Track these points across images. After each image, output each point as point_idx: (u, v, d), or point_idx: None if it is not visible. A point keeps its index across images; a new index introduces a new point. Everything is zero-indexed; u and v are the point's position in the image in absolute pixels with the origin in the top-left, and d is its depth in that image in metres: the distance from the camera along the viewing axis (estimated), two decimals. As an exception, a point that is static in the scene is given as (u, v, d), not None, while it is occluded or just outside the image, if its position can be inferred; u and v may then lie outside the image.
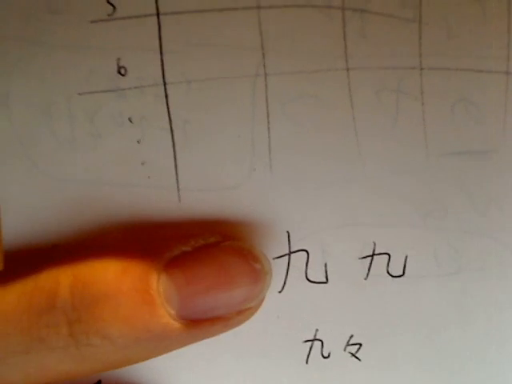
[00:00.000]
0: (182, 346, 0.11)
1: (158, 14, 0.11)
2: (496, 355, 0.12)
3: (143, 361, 0.11)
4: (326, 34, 0.11)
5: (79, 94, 0.11)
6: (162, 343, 0.11)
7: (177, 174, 0.12)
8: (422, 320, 0.12)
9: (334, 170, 0.12)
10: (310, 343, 0.12)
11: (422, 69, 0.11)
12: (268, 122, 0.11)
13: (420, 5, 0.11)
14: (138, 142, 0.12)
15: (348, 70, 0.11)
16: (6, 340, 0.11)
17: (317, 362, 0.12)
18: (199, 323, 0.11)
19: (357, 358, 0.12)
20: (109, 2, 0.11)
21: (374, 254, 0.12)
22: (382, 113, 0.11)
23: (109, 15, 0.11)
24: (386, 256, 0.12)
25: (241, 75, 0.11)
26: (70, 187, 0.12)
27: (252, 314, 0.11)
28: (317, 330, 0.12)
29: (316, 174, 0.12)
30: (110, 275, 0.10)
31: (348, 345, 0.12)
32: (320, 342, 0.12)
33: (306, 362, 0.12)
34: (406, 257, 0.12)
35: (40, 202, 0.12)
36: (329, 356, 0.12)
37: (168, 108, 0.11)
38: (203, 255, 0.11)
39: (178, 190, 0.12)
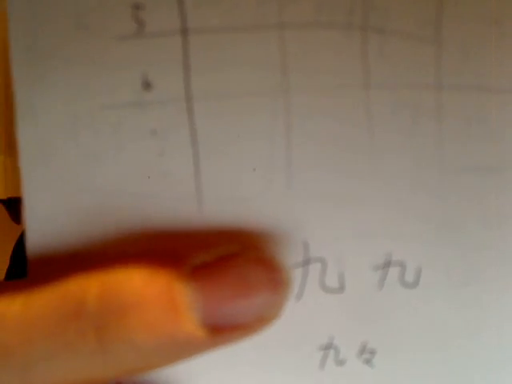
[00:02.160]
0: (203, 353, 0.11)
1: (183, 32, 0.11)
2: (507, 367, 0.12)
3: (166, 366, 0.11)
4: (346, 52, 0.11)
5: (103, 107, 0.12)
6: (185, 350, 0.11)
7: (198, 186, 0.12)
8: (434, 330, 0.12)
9: (351, 184, 0.12)
10: (325, 350, 0.12)
11: (439, 88, 0.11)
12: (288, 136, 0.12)
13: (440, 26, 0.11)
14: (161, 154, 0.12)
15: (367, 88, 0.11)
16: (33, 346, 0.11)
17: (332, 368, 0.12)
18: (221, 331, 0.11)
19: (371, 365, 0.12)
20: (136, 19, 0.11)
21: (389, 265, 0.12)
22: (398, 130, 0.12)
23: (136, 32, 0.11)
24: (401, 267, 0.12)
25: (263, 92, 0.12)
26: (93, 198, 0.12)
27: (272, 321, 0.11)
28: (332, 337, 0.12)
29: (334, 188, 0.12)
30: (136, 284, 0.11)
31: (363, 353, 0.12)
32: (335, 350, 0.12)
33: (321, 369, 0.12)
34: (420, 268, 0.12)
35: (63, 212, 0.12)
36: (344, 363, 0.12)
37: (191, 122, 0.12)
38: (225, 264, 0.11)
39: (199, 201, 0.12)
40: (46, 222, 0.12)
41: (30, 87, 0.12)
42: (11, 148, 0.16)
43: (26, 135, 0.12)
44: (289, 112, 0.12)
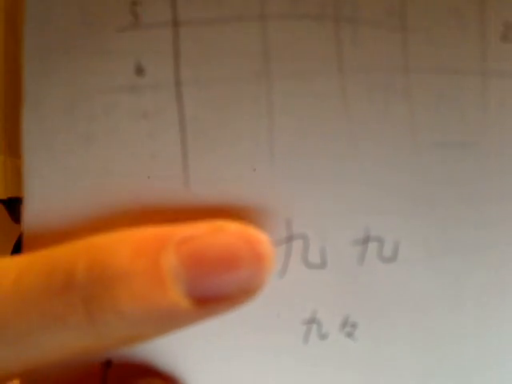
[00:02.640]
0: (190, 324, 0.12)
1: (174, 23, 0.13)
2: (487, 332, 0.13)
3: (153, 338, 0.12)
4: (322, 41, 0.12)
5: (99, 92, 0.13)
6: (172, 321, 0.11)
7: (185, 166, 0.13)
8: (414, 302, 0.13)
9: (331, 163, 0.13)
10: (308, 325, 0.13)
11: (407, 71, 0.12)
12: (271, 119, 0.13)
13: (405, 14, 0.12)
14: (150, 136, 0.13)
15: (341, 72, 0.12)
16: (26, 318, 0.11)
17: (315, 342, 0.13)
18: (206, 302, 0.11)
19: (353, 337, 0.13)
20: (132, 13, 0.13)
21: (368, 240, 0.13)
22: (372, 110, 0.12)
23: (132, 24, 0.13)
24: (380, 241, 0.13)
25: (246, 78, 0.13)
26: (87, 177, 0.13)
27: (255, 294, 0.12)
28: (315, 311, 0.13)
29: (314, 167, 0.13)
30: (123, 256, 0.11)
31: (344, 325, 0.13)
32: (318, 324, 0.13)
33: (305, 343, 0.13)
34: (398, 242, 0.13)
35: (60, 190, 0.13)
36: (326, 337, 0.13)
37: (180, 106, 0.13)
38: (210, 239, 0.12)
39: (186, 180, 0.13)
40: (42, 201, 0.13)
41: (37, 76, 0.13)
42: (11, 148, 0.17)
43: (29, 119, 0.13)
44: (271, 96, 0.13)
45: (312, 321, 0.13)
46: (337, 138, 0.13)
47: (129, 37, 0.12)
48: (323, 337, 0.13)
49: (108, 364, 0.13)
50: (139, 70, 0.13)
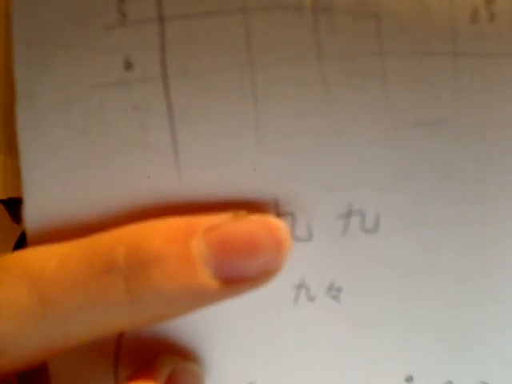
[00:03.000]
0: (216, 302, 0.13)
1: (160, 19, 0.13)
2: (464, 297, 0.14)
3: (184, 314, 0.13)
4: (301, 30, 0.13)
5: (92, 87, 0.13)
6: (200, 299, 0.13)
7: (176, 154, 0.14)
8: (394, 269, 0.14)
9: (314, 142, 0.14)
10: (297, 289, 0.14)
11: (382, 55, 0.13)
12: (255, 106, 0.13)
13: (377, 2, 0.13)
14: (141, 127, 0.13)
15: (321, 59, 0.13)
16: (72, 298, 0.13)
17: (304, 303, 0.14)
18: (232, 282, 0.13)
19: (338, 300, 0.14)
20: (119, 11, 0.13)
21: (350, 213, 0.14)
22: (351, 93, 0.13)
23: (119, 21, 0.13)
24: (361, 214, 0.14)
25: (231, 68, 0.13)
26: (83, 170, 0.14)
27: (276, 274, 0.13)
28: (303, 278, 0.14)
29: (299, 147, 0.13)
30: (157, 242, 0.13)
31: (330, 289, 0.14)
32: (306, 288, 0.14)
33: (295, 304, 0.14)
34: (378, 215, 0.14)
35: (57, 185, 0.14)
36: (314, 299, 0.14)
37: (168, 97, 0.13)
38: (235, 226, 0.13)
39: (178, 168, 0.14)
40: (42, 192, 0.14)
41: (30, 73, 0.13)
42: (11, 148, 0.18)
43: (24, 115, 0.13)
44: (254, 84, 0.13)
45: (301, 286, 0.14)
46: (318, 120, 0.13)
47: (117, 33, 0.13)
48: (311, 299, 0.14)
49: (120, 335, 0.14)
50: (128, 65, 0.13)
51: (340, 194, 0.14)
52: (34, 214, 0.14)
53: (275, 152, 0.14)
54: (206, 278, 0.13)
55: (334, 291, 0.14)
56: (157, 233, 0.13)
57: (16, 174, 0.15)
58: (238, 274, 0.13)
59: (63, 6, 0.13)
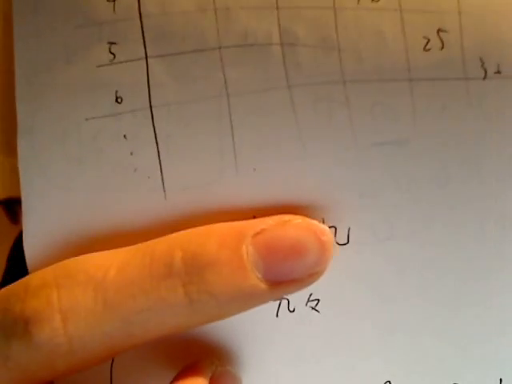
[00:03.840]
0: (264, 303, 0.14)
1: (146, 58, 0.15)
2: (428, 308, 0.15)
3: (235, 314, 0.14)
4: (270, 63, 0.15)
5: (86, 119, 0.15)
6: (251, 300, 0.14)
7: (162, 177, 0.15)
8: (366, 278, 0.15)
9: (286, 165, 0.15)
10: (278, 301, 0.15)
11: (344, 82, 0.14)
12: (232, 131, 0.15)
13: (337, 38, 0.14)
14: (131, 153, 0.15)
15: (289, 87, 0.15)
16: (133, 301, 0.14)
17: (285, 315, 0.15)
18: (279, 284, 0.14)
19: (316, 310, 0.15)
20: (110, 52, 0.15)
21: None
22: (318, 118, 0.15)
23: (110, 61, 0.15)
24: (333, 229, 0.15)
25: (208, 97, 0.15)
26: (78, 196, 0.15)
27: (320, 276, 0.14)
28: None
29: (273, 169, 0.15)
30: (211, 247, 0.14)
31: (309, 301, 0.15)
32: (287, 300, 0.15)
33: (277, 316, 0.15)
34: (349, 229, 0.15)
35: (56, 211, 0.15)
36: (294, 310, 0.15)
37: (153, 125, 0.15)
38: (281, 230, 0.14)
39: (164, 190, 0.15)
40: (41, 219, 0.15)
41: (29, 108, 0.15)
42: (9, 148, 0.18)
43: (24, 147, 0.15)
44: (230, 113, 0.15)
45: (282, 298, 0.15)
46: (289, 145, 0.15)
47: (108, 71, 0.15)
48: (291, 311, 0.15)
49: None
50: (118, 98, 0.15)
51: (314, 211, 0.15)
52: (33, 240, 0.15)
53: (252, 174, 0.15)
54: (255, 280, 0.13)
55: (312, 302, 0.15)
56: (210, 239, 0.14)
57: (14, 173, 0.15)
58: (284, 277, 0.14)
59: (61, 47, 0.15)
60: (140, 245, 0.14)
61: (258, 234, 0.14)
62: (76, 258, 0.14)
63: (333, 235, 0.14)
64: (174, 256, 0.14)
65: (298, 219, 0.14)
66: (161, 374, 0.15)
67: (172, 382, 0.14)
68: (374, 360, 0.15)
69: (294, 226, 0.14)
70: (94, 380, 0.15)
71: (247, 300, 0.14)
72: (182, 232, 0.14)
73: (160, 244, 0.14)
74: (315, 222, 0.14)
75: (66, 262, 0.14)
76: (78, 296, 0.14)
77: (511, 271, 0.14)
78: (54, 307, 0.13)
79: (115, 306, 0.14)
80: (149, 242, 0.14)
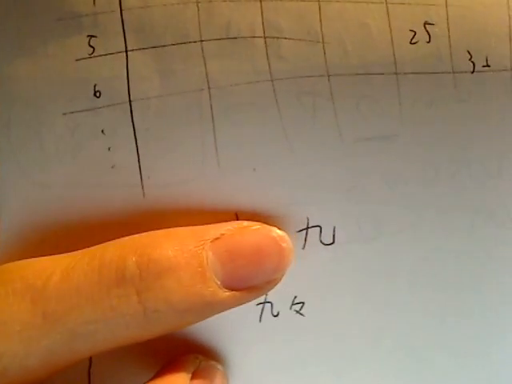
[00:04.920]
0: (224, 310, 0.13)
1: (126, 51, 0.15)
2: (414, 300, 0.14)
3: (194, 323, 0.13)
4: (253, 56, 0.14)
5: (64, 114, 0.14)
6: (210, 308, 0.13)
7: (141, 173, 0.14)
8: (352, 278, 0.14)
9: (271, 160, 0.14)
10: (261, 305, 0.14)
11: (329, 75, 0.14)
12: (213, 126, 0.14)
13: (321, 31, 0.14)
14: (109, 149, 0.14)
15: (273, 81, 0.14)
16: (79, 311, 0.12)
17: (268, 320, 0.14)
18: (238, 291, 0.13)
19: (301, 314, 0.14)
20: (89, 45, 0.14)
21: (308, 228, 0.14)
22: (302, 112, 0.14)
23: (89, 54, 0.14)
24: (318, 228, 0.14)
25: (189, 91, 0.14)
26: (55, 191, 0.14)
27: (277, 283, 0.13)
28: (266, 294, 0.14)
29: (256, 166, 0.14)
30: (168, 251, 0.13)
31: (293, 304, 0.14)
32: (270, 304, 0.14)
33: (260, 321, 0.14)
34: (334, 227, 0.14)
35: (31, 205, 0.15)
36: (278, 315, 0.14)
37: (132, 120, 0.14)
38: (240, 236, 0.13)
39: (142, 187, 0.14)
40: (16, 213, 0.14)
41: (7, 107, 0.14)
42: None
43: (1, 142, 0.14)
44: (212, 107, 0.14)
45: (265, 302, 0.14)
46: (273, 140, 0.14)
47: (87, 65, 0.14)
48: (275, 315, 0.14)
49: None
50: (97, 92, 0.15)
51: (298, 210, 0.14)
52: (7, 236, 0.15)
53: (234, 171, 0.14)
54: (215, 287, 0.13)
55: (297, 306, 0.14)
56: (167, 243, 0.13)
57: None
58: (243, 284, 0.13)
59: (40, 40, 0.15)
60: (87, 248, 0.13)
61: (217, 239, 0.13)
62: (17, 262, 0.13)
63: (291, 242, 0.13)
64: (127, 260, 0.12)
65: (256, 225, 0.13)
66: (142, 374, 0.15)
67: (153, 377, 0.13)
68: (362, 365, 0.14)
69: (253, 232, 0.13)
70: (71, 380, 0.15)
71: (205, 308, 0.13)
72: (135, 235, 0.13)
73: (111, 247, 0.13)
74: (274, 229, 0.13)
75: (4, 266, 0.13)
76: (13, 307, 0.12)
77: (502, 270, 0.14)
78: None
79: (57, 318, 0.12)
80: (98, 246, 0.13)
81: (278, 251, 0.13)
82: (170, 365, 0.13)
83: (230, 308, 0.13)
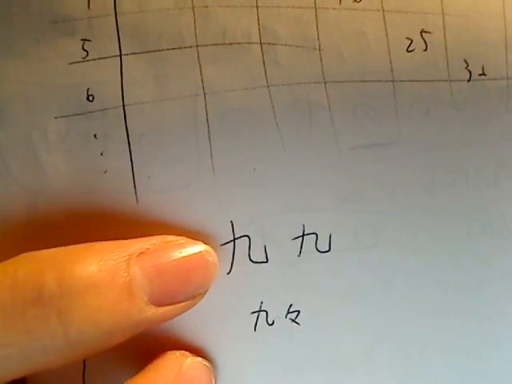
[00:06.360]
0: (151, 326, 0.13)
1: (120, 55, 0.14)
2: (410, 309, 0.14)
3: (120, 341, 0.12)
4: (250, 62, 0.14)
5: (55, 117, 0.14)
6: (137, 326, 0.12)
7: (134, 179, 0.14)
8: (348, 287, 0.14)
9: (266, 168, 0.14)
10: (256, 314, 0.14)
11: (325, 82, 0.14)
12: (208, 131, 0.14)
13: (318, 38, 0.14)
14: (102, 154, 0.14)
15: (269, 87, 0.14)
16: None
17: (263, 329, 0.14)
18: (164, 307, 0.12)
19: (296, 322, 0.14)
20: (83, 49, 0.14)
21: (304, 235, 0.14)
22: (298, 119, 0.14)
23: (83, 58, 0.14)
24: (314, 235, 0.14)
25: (184, 96, 0.14)
26: (46, 197, 0.14)
27: (202, 297, 0.13)
28: (261, 302, 0.14)
29: (252, 172, 0.14)
30: (90, 267, 0.12)
31: (288, 312, 0.14)
32: (265, 313, 0.14)
33: (255, 330, 0.14)
34: (330, 235, 0.14)
35: (19, 212, 0.14)
36: (273, 323, 0.14)
37: (126, 125, 0.14)
38: (166, 252, 0.13)
39: (136, 193, 0.14)
40: (5, 222, 0.14)
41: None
42: None
43: None
44: (207, 112, 0.14)
45: (259, 310, 0.14)
46: (268, 147, 0.14)
47: (80, 68, 0.14)
48: (270, 323, 0.14)
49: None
50: (89, 96, 0.14)
51: (294, 217, 0.14)
52: None
53: (229, 177, 0.14)
54: (142, 304, 0.12)
55: (293, 314, 0.14)
56: (90, 257, 0.12)
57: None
58: (170, 299, 0.12)
59: (33, 43, 0.14)
60: (1, 264, 0.12)
61: (142, 253, 0.12)
62: None
63: (214, 253, 0.13)
64: (45, 276, 0.11)
65: (181, 239, 0.13)
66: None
67: (137, 375, 0.12)
68: (358, 374, 0.14)
69: (178, 246, 0.13)
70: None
71: (132, 326, 0.12)
72: (52, 249, 0.12)
73: (25, 262, 0.12)
74: (199, 243, 0.13)
75: None
76: None
77: (498, 279, 0.14)
78: None
79: None
80: (10, 260, 0.12)
81: (203, 265, 0.13)
82: (153, 363, 0.13)
83: (156, 326, 0.13)
